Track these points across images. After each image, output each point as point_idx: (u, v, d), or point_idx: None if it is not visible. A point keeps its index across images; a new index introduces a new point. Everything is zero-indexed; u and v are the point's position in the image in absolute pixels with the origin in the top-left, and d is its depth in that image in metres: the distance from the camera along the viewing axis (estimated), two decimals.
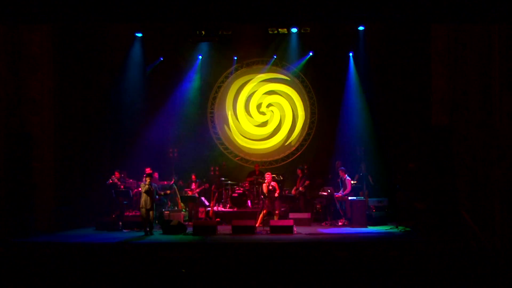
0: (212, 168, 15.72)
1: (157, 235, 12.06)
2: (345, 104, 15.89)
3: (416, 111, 14.22)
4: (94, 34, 14.55)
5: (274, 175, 14.62)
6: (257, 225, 12.48)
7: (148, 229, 12.06)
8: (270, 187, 12.42)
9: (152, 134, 16.01)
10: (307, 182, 14.30)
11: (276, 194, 12.51)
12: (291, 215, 13.30)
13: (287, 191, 14.73)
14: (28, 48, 12.50)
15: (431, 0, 7.69)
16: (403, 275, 5.74)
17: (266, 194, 12.48)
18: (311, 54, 16.00)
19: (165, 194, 13.11)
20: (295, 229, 12.07)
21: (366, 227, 12.82)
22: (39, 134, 12.59)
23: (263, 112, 16.71)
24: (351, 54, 15.78)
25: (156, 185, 12.80)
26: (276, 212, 12.47)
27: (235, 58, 16.39)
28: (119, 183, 13.69)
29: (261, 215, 12.67)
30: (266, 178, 12.65)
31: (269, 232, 12.00)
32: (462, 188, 11.17)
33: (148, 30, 15.37)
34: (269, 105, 16.69)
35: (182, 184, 14.75)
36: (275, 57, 16.21)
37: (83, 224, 13.59)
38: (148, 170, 13.80)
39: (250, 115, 16.74)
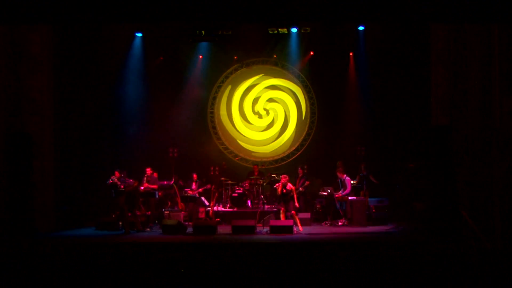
0: (212, 168, 15.71)
1: (158, 235, 12.10)
2: (345, 104, 15.90)
3: (416, 111, 14.22)
4: (94, 34, 14.55)
5: (274, 175, 14.66)
6: (282, 218, 12.41)
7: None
8: (284, 191, 12.37)
9: (152, 134, 16.02)
10: (307, 183, 14.30)
11: (295, 195, 12.44)
12: None
13: (284, 191, 14.71)
14: (28, 48, 12.49)
15: (431, 0, 7.69)
16: (403, 275, 5.73)
17: (280, 195, 12.44)
18: (313, 54, 15.99)
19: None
20: (295, 229, 12.06)
21: (366, 227, 12.82)
22: (39, 134, 12.59)
23: (263, 112, 16.71)
24: (350, 54, 15.77)
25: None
26: (293, 212, 12.39)
27: (235, 58, 16.39)
28: (119, 183, 13.69)
29: (282, 214, 12.54)
30: (281, 180, 12.59)
31: (269, 232, 12.00)
32: (462, 188, 11.17)
33: (148, 30, 15.37)
34: (269, 104, 16.70)
35: (182, 184, 14.75)
36: (275, 57, 16.21)
37: (83, 224, 13.61)
38: (148, 171, 13.83)
39: (250, 115, 16.75)
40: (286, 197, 12.35)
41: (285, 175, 12.70)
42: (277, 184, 12.77)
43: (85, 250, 9.83)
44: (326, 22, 14.47)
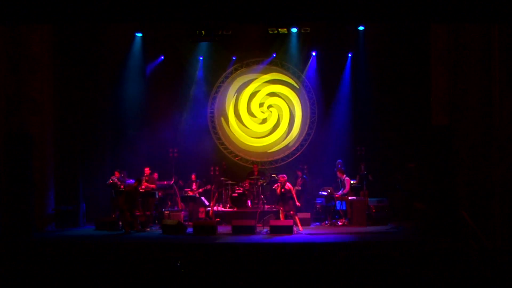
0: (212, 168, 15.71)
1: (158, 235, 12.10)
2: (345, 104, 15.90)
3: (416, 111, 14.22)
4: (94, 34, 14.55)
5: (274, 175, 14.66)
6: (281, 218, 12.46)
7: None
8: (283, 190, 12.38)
9: (152, 133, 16.02)
10: (299, 181, 14.28)
11: (294, 195, 12.47)
12: None
13: (283, 190, 14.71)
14: (28, 48, 12.49)
15: (431, 0, 7.68)
16: (403, 275, 5.74)
17: (280, 196, 12.45)
18: (314, 54, 15.99)
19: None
20: (295, 229, 12.07)
21: (366, 227, 12.82)
22: (39, 134, 12.59)
23: (263, 111, 16.71)
24: (350, 55, 15.79)
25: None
26: (291, 212, 12.40)
27: (235, 58, 16.39)
28: (119, 183, 13.70)
29: (281, 214, 12.55)
30: (280, 179, 12.59)
31: (269, 232, 12.00)
32: (462, 188, 11.17)
33: (148, 30, 15.37)
34: (270, 105, 16.70)
35: (182, 184, 14.75)
36: (274, 55, 16.20)
37: (83, 224, 13.61)
38: (147, 170, 13.84)
39: (250, 114, 16.75)
40: (284, 197, 12.37)
41: (283, 175, 12.72)
42: (276, 185, 12.77)
43: (85, 250, 9.84)
44: (326, 22, 14.46)
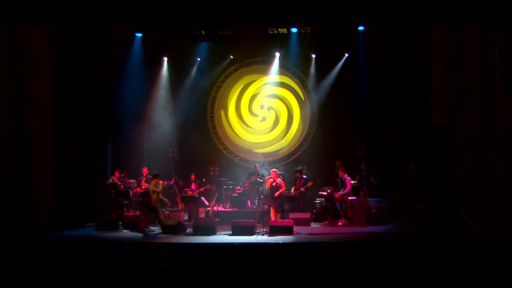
0: (212, 168, 15.72)
1: (157, 235, 12.10)
2: (345, 104, 15.90)
3: (416, 111, 14.22)
4: (94, 34, 14.54)
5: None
6: (272, 215, 12.58)
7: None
8: (274, 184, 12.41)
9: (152, 134, 16.03)
10: (310, 183, 14.25)
11: (282, 191, 12.53)
12: (291, 215, 13.27)
13: (287, 191, 14.71)
14: (28, 48, 12.49)
15: (431, 0, 7.69)
16: (403, 275, 5.74)
17: (270, 190, 12.49)
18: (314, 56, 16.00)
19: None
20: (295, 229, 12.08)
21: (366, 227, 12.82)
22: (39, 134, 12.59)
23: (263, 112, 16.71)
24: (347, 54, 15.77)
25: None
26: (276, 204, 12.45)
27: (234, 58, 16.37)
28: (119, 183, 13.70)
29: (272, 213, 12.61)
30: (270, 175, 12.63)
31: (269, 232, 12.00)
32: (462, 188, 11.18)
33: (148, 30, 15.37)
34: (269, 104, 16.70)
35: (182, 184, 14.75)
36: (279, 53, 16.12)
37: (83, 224, 13.61)
38: (145, 170, 13.84)
39: (250, 115, 16.75)
40: (275, 192, 12.42)
41: (274, 170, 12.80)
42: (267, 177, 12.77)
43: (85, 250, 9.83)
44: (326, 22, 14.46)
